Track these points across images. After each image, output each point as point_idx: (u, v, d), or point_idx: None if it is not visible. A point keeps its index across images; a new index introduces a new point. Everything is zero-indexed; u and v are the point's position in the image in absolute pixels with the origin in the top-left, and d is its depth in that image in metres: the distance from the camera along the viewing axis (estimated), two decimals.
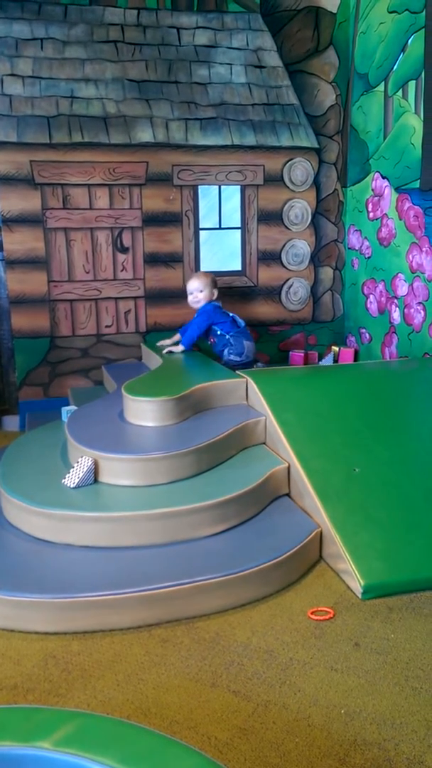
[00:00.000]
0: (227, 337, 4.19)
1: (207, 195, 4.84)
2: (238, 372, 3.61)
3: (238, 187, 4.88)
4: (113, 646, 2.15)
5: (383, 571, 2.45)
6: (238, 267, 5.00)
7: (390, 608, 2.34)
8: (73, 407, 3.91)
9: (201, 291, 4.32)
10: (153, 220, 4.75)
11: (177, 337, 4.45)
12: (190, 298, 4.38)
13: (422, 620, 2.26)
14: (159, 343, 4.48)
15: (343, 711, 1.83)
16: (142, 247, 4.76)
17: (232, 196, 4.89)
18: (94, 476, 2.83)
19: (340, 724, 1.78)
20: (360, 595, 2.41)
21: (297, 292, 5.15)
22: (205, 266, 4.92)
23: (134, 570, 2.38)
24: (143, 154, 4.62)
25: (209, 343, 4.34)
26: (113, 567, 2.41)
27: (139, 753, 1.30)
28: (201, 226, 4.87)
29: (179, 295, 4.89)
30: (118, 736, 1.35)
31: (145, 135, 4.59)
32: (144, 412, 3.20)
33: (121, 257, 4.75)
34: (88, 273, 4.72)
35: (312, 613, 2.31)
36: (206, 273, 4.47)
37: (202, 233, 4.88)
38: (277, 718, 1.81)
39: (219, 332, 4.23)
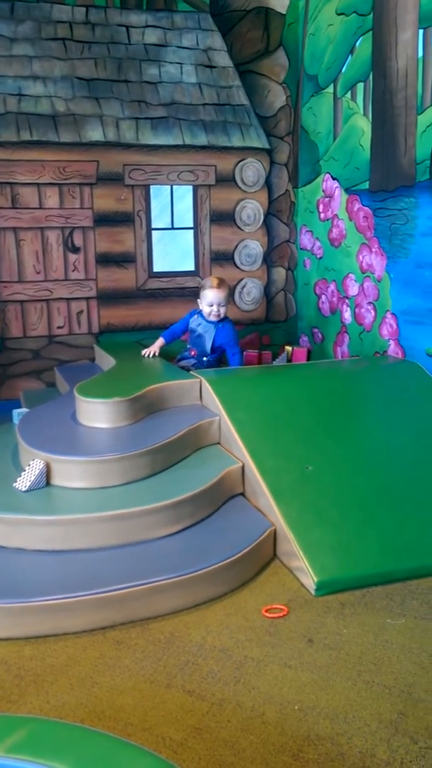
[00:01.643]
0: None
1: (159, 195, 4.83)
2: (192, 372, 3.61)
3: (190, 187, 4.88)
4: (66, 650, 2.12)
5: (336, 568, 2.48)
6: (191, 267, 5.00)
7: (343, 604, 2.37)
8: (24, 409, 3.85)
9: (224, 306, 3.96)
10: (104, 219, 4.71)
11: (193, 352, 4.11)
12: (210, 310, 3.94)
13: (374, 615, 2.29)
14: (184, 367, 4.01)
15: (296, 707, 1.85)
16: (93, 247, 4.72)
17: (185, 196, 4.89)
18: (46, 479, 2.79)
19: (293, 720, 1.79)
20: (313, 592, 2.43)
21: (250, 292, 5.18)
22: (158, 266, 4.91)
23: (87, 573, 2.36)
24: (94, 153, 4.58)
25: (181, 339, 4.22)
26: (66, 570, 2.38)
27: (92, 757, 1.29)
28: (153, 226, 4.86)
29: (133, 295, 4.87)
30: (70, 740, 1.33)
31: (95, 134, 4.55)
32: (97, 414, 3.17)
33: (72, 257, 4.70)
34: (38, 273, 4.65)
35: (266, 610, 2.32)
36: (222, 280, 4.03)
37: (154, 233, 4.87)
38: (231, 716, 1.81)
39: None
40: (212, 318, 3.98)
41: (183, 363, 4.08)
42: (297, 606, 2.36)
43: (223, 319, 4.02)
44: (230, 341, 4.03)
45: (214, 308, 3.94)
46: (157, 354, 4.07)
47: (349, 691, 1.91)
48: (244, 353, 4.92)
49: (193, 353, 4.09)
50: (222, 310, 3.96)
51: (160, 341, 4.13)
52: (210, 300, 3.93)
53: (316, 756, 1.67)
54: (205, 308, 3.97)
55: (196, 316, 4.07)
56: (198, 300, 4.06)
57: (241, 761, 1.65)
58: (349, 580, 2.47)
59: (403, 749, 1.68)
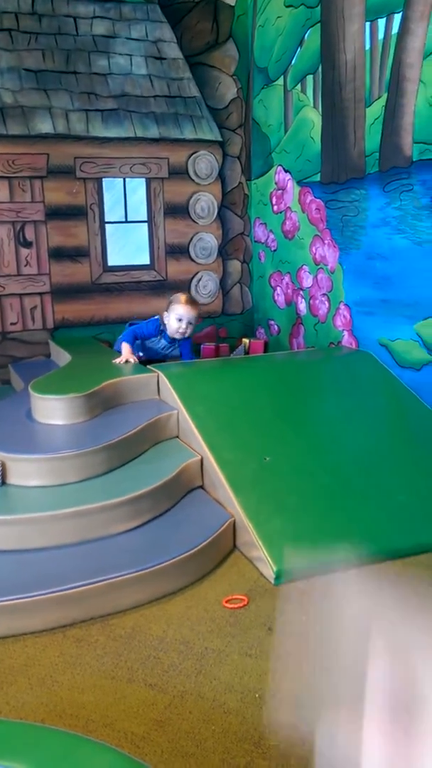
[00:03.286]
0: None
1: (111, 188, 4.79)
2: (149, 367, 3.59)
3: (143, 179, 4.85)
4: (26, 650, 2.10)
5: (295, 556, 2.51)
6: (146, 261, 4.98)
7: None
8: None
9: (192, 325, 3.82)
10: (56, 213, 4.65)
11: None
12: (179, 326, 3.76)
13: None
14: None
15: (257, 695, 1.87)
16: (46, 242, 4.66)
17: (137, 189, 4.86)
18: (1, 478, 2.75)
19: (255, 708, 1.81)
20: (273, 581, 2.45)
21: (206, 285, 5.18)
22: (112, 260, 4.87)
23: (45, 571, 2.33)
24: (43, 145, 4.52)
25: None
26: (23, 570, 2.35)
27: (52, 755, 1.28)
28: (107, 220, 4.82)
29: (87, 290, 4.82)
30: (30, 740, 1.32)
31: (44, 126, 4.48)
32: (53, 411, 3.14)
33: (24, 252, 4.63)
34: None
35: (226, 601, 2.34)
36: (196, 301, 3.93)
37: (108, 227, 4.83)
38: (193, 707, 1.82)
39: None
40: (177, 336, 3.80)
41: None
42: (257, 595, 2.38)
43: (187, 338, 3.89)
44: (190, 353, 4.01)
45: (183, 324, 3.75)
46: (133, 360, 3.75)
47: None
48: (202, 346, 4.93)
49: (139, 358, 3.85)
50: (189, 330, 3.79)
51: (129, 348, 3.80)
52: (180, 314, 3.74)
53: (277, 742, 1.69)
54: (173, 323, 3.77)
55: (159, 336, 3.88)
56: (164, 314, 3.84)
57: (203, 752, 1.66)
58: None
59: None
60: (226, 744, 1.69)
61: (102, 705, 1.84)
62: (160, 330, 3.86)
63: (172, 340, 3.88)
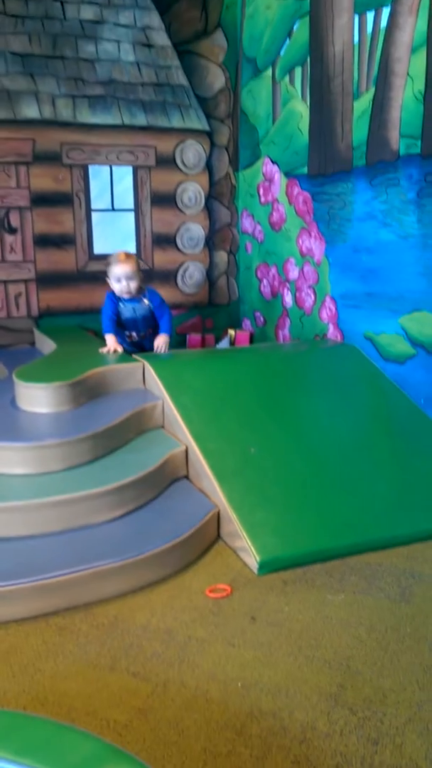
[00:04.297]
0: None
1: (98, 175, 4.75)
2: (134, 356, 3.58)
3: (130, 168, 4.82)
4: (8, 638, 2.10)
5: (278, 547, 2.53)
6: (133, 250, 4.95)
7: (285, 582, 2.42)
8: None
9: (134, 280, 3.69)
10: (42, 200, 4.61)
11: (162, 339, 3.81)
12: (120, 286, 3.68)
13: (315, 591, 2.35)
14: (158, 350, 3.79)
15: (240, 684, 1.88)
16: (31, 228, 4.62)
17: (124, 177, 4.83)
18: None
19: (237, 697, 1.83)
20: (256, 571, 2.47)
21: (193, 275, 5.17)
22: (99, 248, 4.84)
23: (29, 560, 2.33)
24: (29, 131, 4.47)
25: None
26: (6, 558, 2.34)
27: (34, 743, 1.28)
28: (93, 208, 4.78)
29: (73, 278, 4.80)
30: (11, 727, 1.32)
31: (30, 111, 4.44)
32: (37, 399, 3.12)
33: (9, 238, 4.59)
34: None
35: (210, 591, 2.35)
36: (129, 252, 3.84)
37: (94, 215, 4.80)
38: (175, 696, 1.84)
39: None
40: (125, 295, 3.72)
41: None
42: (240, 585, 2.40)
43: (143, 290, 3.79)
44: (158, 305, 3.81)
45: (123, 283, 3.66)
46: (119, 349, 3.71)
47: (290, 666, 1.96)
48: (188, 336, 4.93)
49: (131, 337, 3.90)
50: (133, 285, 3.67)
51: (113, 337, 3.77)
52: (117, 274, 3.65)
53: (259, 731, 1.70)
54: (114, 286, 3.71)
55: (121, 304, 3.79)
56: (108, 280, 3.77)
57: (185, 740, 1.68)
58: (291, 559, 2.52)
59: (342, 720, 1.74)
60: (207, 732, 1.70)
61: (84, 693, 1.85)
62: (117, 298, 3.78)
63: (132, 299, 3.77)
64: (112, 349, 3.70)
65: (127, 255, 3.74)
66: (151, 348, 3.83)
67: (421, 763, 1.60)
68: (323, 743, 1.66)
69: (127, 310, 3.81)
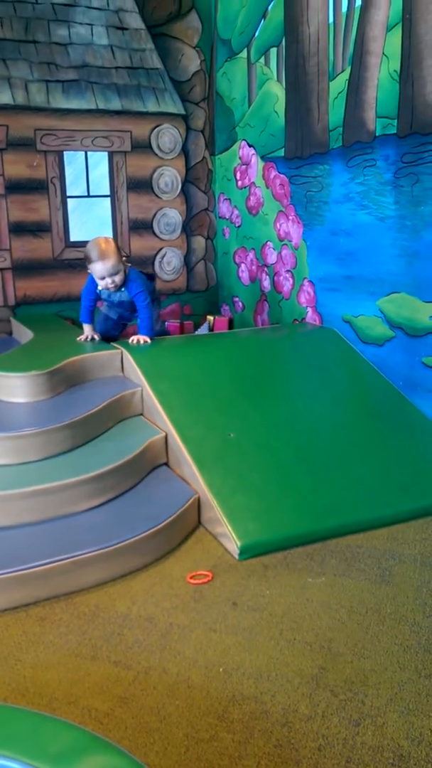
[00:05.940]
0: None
1: (73, 161, 4.69)
2: (113, 344, 3.55)
3: (106, 153, 4.76)
4: None
5: (258, 532, 2.53)
6: (110, 235, 4.89)
7: (265, 566, 2.42)
8: None
9: (118, 274, 3.42)
10: (16, 187, 4.54)
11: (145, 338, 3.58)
12: (105, 283, 3.46)
13: (295, 575, 2.35)
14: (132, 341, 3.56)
15: (221, 669, 1.88)
16: (6, 216, 4.55)
17: (100, 162, 4.77)
18: None
19: (218, 683, 1.83)
20: (237, 556, 2.47)
21: (170, 261, 5.13)
22: (75, 236, 4.78)
23: (8, 550, 2.31)
24: (2, 117, 4.40)
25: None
26: None
27: (14, 734, 1.27)
28: (68, 194, 4.72)
29: (49, 266, 4.74)
30: None
31: (3, 96, 4.36)
32: (14, 388, 3.09)
33: None
34: None
35: (191, 577, 2.35)
36: (108, 240, 3.45)
37: (70, 201, 4.74)
38: (157, 683, 1.83)
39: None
40: (112, 289, 3.51)
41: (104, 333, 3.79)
42: (221, 571, 2.39)
43: (127, 278, 3.50)
44: (138, 292, 3.53)
45: (108, 281, 3.44)
46: (97, 337, 3.65)
47: (272, 650, 1.96)
48: (166, 323, 4.89)
49: (110, 320, 3.80)
50: (118, 279, 3.43)
51: (89, 326, 3.67)
52: (99, 274, 3.41)
53: (241, 715, 1.70)
54: (99, 283, 3.49)
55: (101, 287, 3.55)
56: (89, 268, 3.50)
57: (167, 726, 1.67)
58: (272, 543, 2.52)
59: (324, 702, 1.74)
60: (190, 718, 1.70)
61: (66, 683, 1.84)
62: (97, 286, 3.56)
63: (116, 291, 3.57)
64: (89, 337, 3.65)
65: (106, 245, 3.40)
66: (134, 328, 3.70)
67: (402, 743, 1.60)
68: (305, 726, 1.66)
69: (114, 296, 3.63)
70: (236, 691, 1.79)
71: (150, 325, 3.60)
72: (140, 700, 1.77)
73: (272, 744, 1.61)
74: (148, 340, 3.56)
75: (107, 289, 3.52)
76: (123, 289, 3.56)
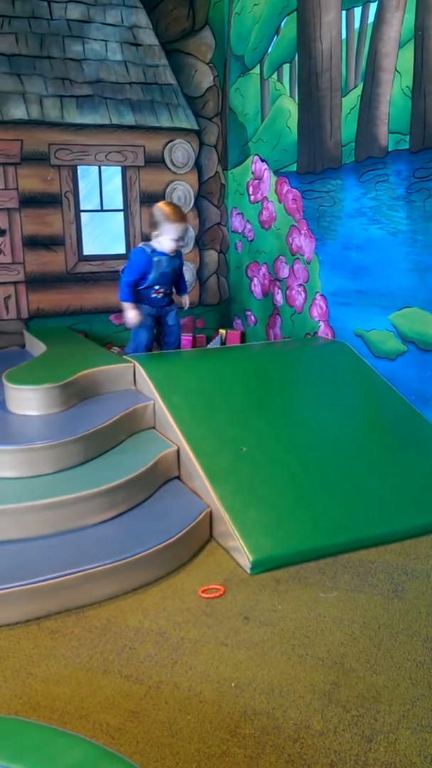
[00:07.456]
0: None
1: (87, 176, 4.74)
2: (125, 357, 3.57)
3: (119, 168, 4.80)
4: (0, 643, 2.09)
5: (270, 546, 2.52)
6: (122, 250, 4.94)
7: (277, 581, 2.41)
8: None
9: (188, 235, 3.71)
10: (31, 201, 4.59)
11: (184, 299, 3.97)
12: (177, 245, 3.66)
13: (307, 590, 2.34)
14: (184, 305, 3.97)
15: (233, 684, 1.87)
16: (20, 230, 4.60)
17: (113, 177, 4.81)
18: None
19: (230, 697, 1.82)
20: (249, 571, 2.46)
21: (183, 275, 5.14)
22: (88, 249, 4.83)
23: (20, 563, 2.31)
24: (17, 131, 4.45)
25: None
26: None
27: (26, 748, 1.27)
28: (82, 208, 4.76)
29: (62, 279, 4.78)
30: (4, 732, 1.31)
31: (17, 111, 4.41)
32: (27, 401, 3.11)
33: None
34: None
35: (203, 591, 2.34)
36: (179, 207, 3.77)
37: (83, 215, 4.78)
38: (169, 697, 1.83)
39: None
40: (174, 251, 3.70)
41: (148, 310, 3.81)
42: (233, 585, 2.39)
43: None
44: (182, 265, 3.91)
45: (181, 243, 3.68)
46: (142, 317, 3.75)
47: (284, 665, 1.95)
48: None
49: (159, 293, 3.78)
50: (188, 240, 3.76)
51: (132, 304, 3.74)
52: (179, 234, 3.61)
53: (253, 731, 1.70)
54: (167, 243, 3.62)
55: (151, 253, 3.66)
56: (153, 237, 3.65)
57: (178, 741, 1.67)
58: (283, 557, 2.51)
59: (336, 718, 1.73)
60: (201, 733, 1.69)
61: (77, 697, 1.84)
62: (152, 257, 3.67)
63: (171, 256, 3.72)
64: (134, 321, 3.74)
65: (180, 208, 3.68)
66: (166, 305, 3.87)
67: (414, 759, 1.59)
68: (317, 742, 1.65)
69: (162, 266, 3.70)
70: (248, 707, 1.78)
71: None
72: (152, 714, 1.76)
73: (284, 760, 1.60)
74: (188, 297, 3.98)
75: (172, 253, 3.67)
76: (177, 260, 3.80)
